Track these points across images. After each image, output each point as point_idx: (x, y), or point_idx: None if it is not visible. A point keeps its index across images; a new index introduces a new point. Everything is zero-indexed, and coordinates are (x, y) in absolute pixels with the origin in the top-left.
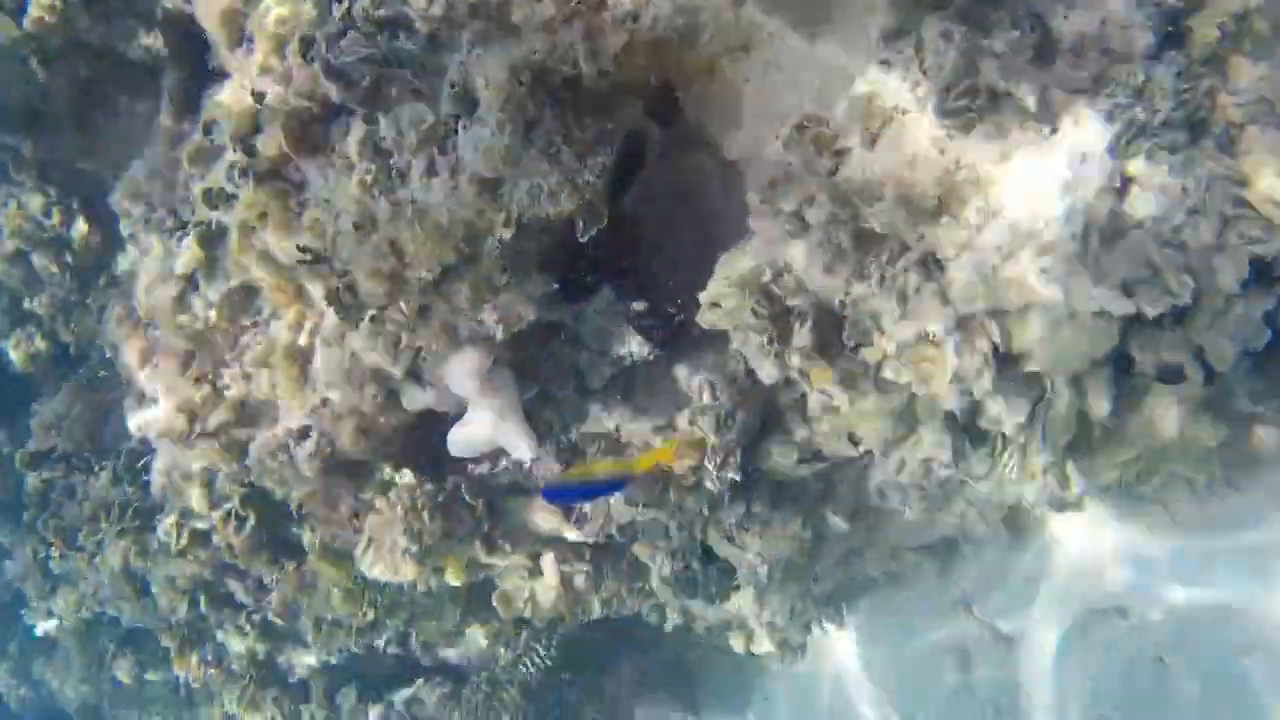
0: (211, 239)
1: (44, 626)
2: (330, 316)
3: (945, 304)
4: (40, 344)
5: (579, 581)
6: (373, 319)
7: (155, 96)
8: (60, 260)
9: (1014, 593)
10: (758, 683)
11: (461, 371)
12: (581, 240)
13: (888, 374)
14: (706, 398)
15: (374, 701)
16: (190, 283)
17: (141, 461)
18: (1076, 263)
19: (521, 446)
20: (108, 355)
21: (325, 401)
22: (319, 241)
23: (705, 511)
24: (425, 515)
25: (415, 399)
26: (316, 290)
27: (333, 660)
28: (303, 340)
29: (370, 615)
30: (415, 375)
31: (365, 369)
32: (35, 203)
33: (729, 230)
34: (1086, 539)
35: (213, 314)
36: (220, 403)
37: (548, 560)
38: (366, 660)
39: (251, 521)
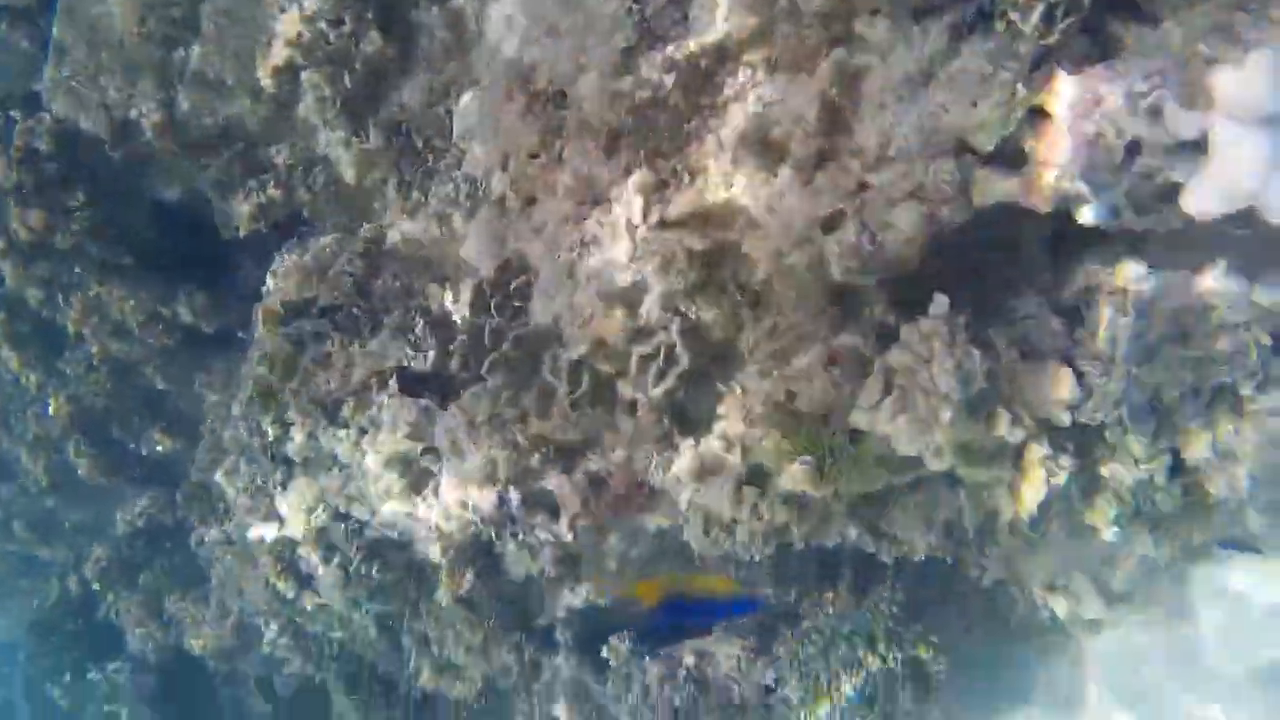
0: None
1: (259, 532)
2: (897, 59)
3: None
4: (273, 194)
5: (1056, 481)
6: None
7: None
8: (337, 80)
9: None
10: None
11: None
12: None
13: None
14: None
15: (651, 656)
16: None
17: (514, 282)
18: None
19: None
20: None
21: (864, 185)
22: None
23: None
24: (973, 351)
25: (995, 187)
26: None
27: (601, 601)
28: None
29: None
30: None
31: (949, 132)
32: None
33: None
34: None
35: (668, 80)
36: (673, 192)
37: (1035, 452)
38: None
39: (683, 365)
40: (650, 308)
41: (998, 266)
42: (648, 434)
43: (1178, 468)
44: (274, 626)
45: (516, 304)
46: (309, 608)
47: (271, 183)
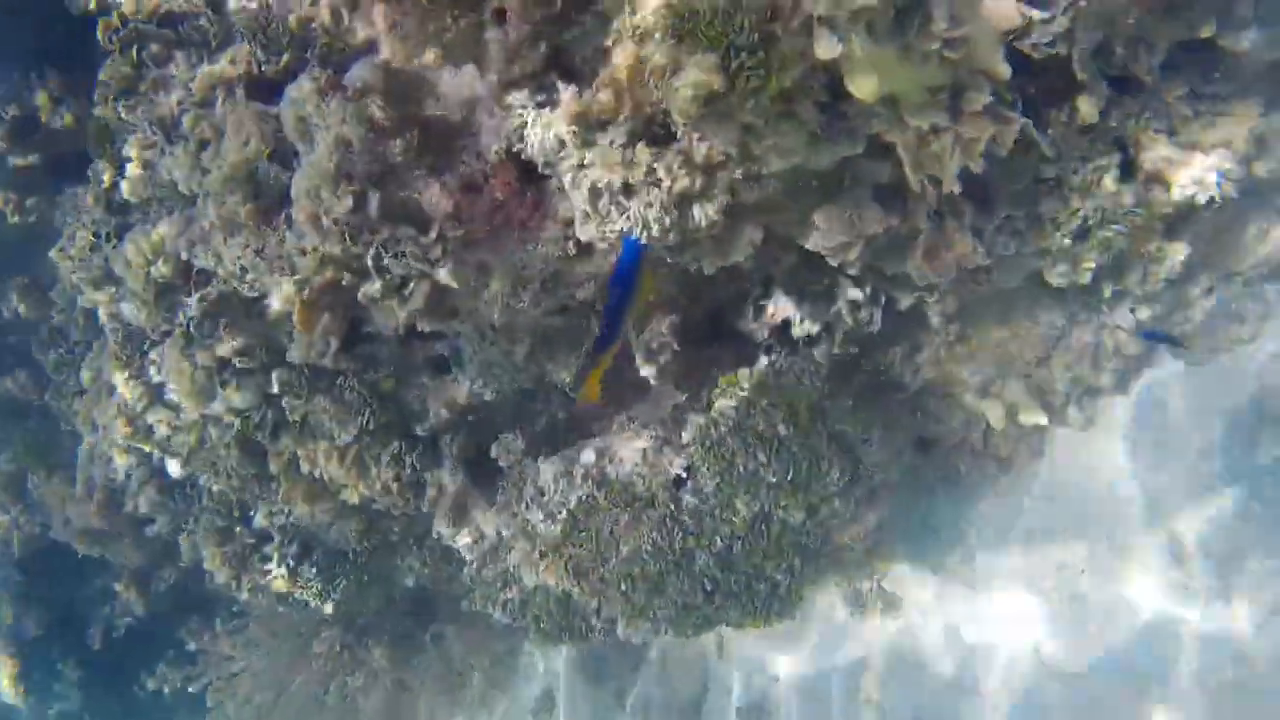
0: None
1: (93, 297)
2: None
3: None
4: None
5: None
6: None
7: None
8: None
9: None
10: None
11: None
12: None
13: None
14: None
15: (546, 456)
16: None
17: None
18: None
19: None
20: None
21: None
22: None
23: None
24: None
25: None
26: None
27: (488, 396)
28: None
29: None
30: None
31: None
32: None
33: None
34: None
35: None
36: None
37: (974, 102)
38: (525, 405)
39: None
40: None
41: None
42: (517, 60)
43: (1130, 169)
44: (135, 479)
45: None
46: (165, 432)
47: None
